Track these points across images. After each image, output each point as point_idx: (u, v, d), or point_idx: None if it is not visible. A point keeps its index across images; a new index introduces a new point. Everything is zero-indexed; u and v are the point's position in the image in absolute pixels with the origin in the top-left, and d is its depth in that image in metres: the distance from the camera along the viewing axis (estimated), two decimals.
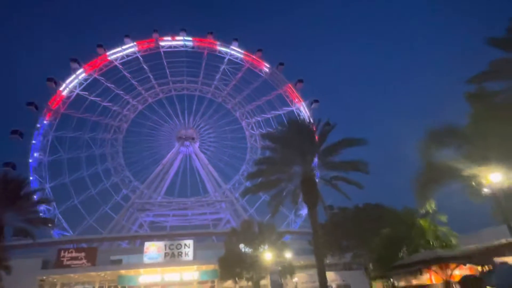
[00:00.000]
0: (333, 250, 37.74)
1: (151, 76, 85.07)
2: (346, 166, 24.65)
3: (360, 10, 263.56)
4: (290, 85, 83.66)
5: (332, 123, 25.93)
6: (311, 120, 27.44)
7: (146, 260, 50.73)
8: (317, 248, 24.38)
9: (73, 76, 75.68)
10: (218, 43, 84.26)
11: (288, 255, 41.37)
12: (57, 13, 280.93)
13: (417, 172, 18.53)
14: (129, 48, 79.98)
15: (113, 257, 53.70)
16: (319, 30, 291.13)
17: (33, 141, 71.10)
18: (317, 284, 40.71)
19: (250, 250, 41.31)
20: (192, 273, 50.47)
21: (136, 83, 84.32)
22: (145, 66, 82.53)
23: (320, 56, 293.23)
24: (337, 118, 25.81)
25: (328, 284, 24.63)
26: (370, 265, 31.59)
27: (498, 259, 14.22)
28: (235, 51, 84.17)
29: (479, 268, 13.72)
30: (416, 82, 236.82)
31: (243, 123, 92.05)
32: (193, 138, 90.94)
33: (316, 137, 26.15)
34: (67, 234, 71.55)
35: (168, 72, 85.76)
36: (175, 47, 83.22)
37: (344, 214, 37.94)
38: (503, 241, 19.50)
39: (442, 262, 12.96)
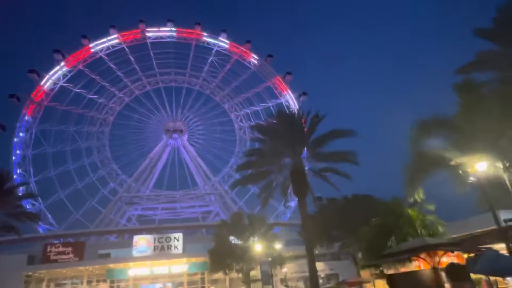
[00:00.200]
0: (322, 240, 38.23)
1: (138, 68, 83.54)
2: (335, 157, 24.78)
3: (350, 2, 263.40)
4: (278, 77, 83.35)
5: (321, 115, 25.96)
6: (300, 113, 27.28)
7: (135, 253, 50.47)
8: (307, 238, 24.59)
9: (57, 67, 73.63)
10: (206, 34, 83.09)
11: (278, 246, 41.69)
12: (40, 3, 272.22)
13: (406, 162, 18.80)
14: (115, 39, 78.13)
15: (101, 251, 53.29)
16: (308, 23, 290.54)
17: (16, 135, 69.29)
18: (306, 274, 41.36)
19: (240, 242, 41.48)
20: (181, 266, 50.50)
21: (122, 75, 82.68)
22: (131, 58, 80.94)
23: (309, 49, 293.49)
24: (326, 111, 25.82)
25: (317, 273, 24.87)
26: (359, 254, 32.12)
27: (484, 246, 14.57)
28: (223, 42, 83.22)
29: (465, 255, 14.04)
30: (407, 73, 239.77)
31: (232, 116, 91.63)
32: (181, 131, 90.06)
33: (305, 129, 26.18)
34: (53, 229, 70.42)
35: (155, 64, 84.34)
36: (162, 38, 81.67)
37: (333, 205, 38.40)
38: (488, 229, 20.09)
39: (430, 249, 13.18)
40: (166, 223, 74.56)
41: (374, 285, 26.12)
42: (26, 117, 70.58)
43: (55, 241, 57.79)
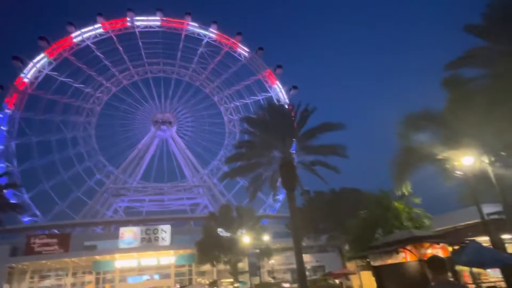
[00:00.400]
0: (309, 233, 38.61)
1: (126, 57, 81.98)
2: (325, 150, 24.82)
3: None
4: (269, 70, 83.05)
5: (311, 108, 25.95)
6: (291, 106, 27.26)
7: (122, 245, 50.06)
8: (295, 231, 24.73)
9: (42, 55, 71.62)
10: (196, 25, 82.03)
11: (266, 238, 41.94)
12: None
13: (395, 156, 18.98)
14: (102, 27, 76.35)
15: (87, 243, 52.69)
16: (299, 16, 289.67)
17: None
18: (293, 266, 41.77)
19: (228, 234, 41.55)
20: (169, 258, 50.40)
21: (109, 64, 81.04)
22: (119, 47, 79.35)
23: (300, 42, 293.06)
24: (315, 104, 25.82)
25: None
26: (346, 247, 32.56)
27: (468, 239, 14.91)
28: (213, 33, 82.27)
29: (450, 248, 14.34)
30: (397, 67, 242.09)
31: (222, 108, 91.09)
32: (170, 122, 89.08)
33: (295, 122, 26.15)
34: (38, 220, 69.14)
35: (143, 54, 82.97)
36: (151, 27, 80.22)
37: (320, 198, 38.71)
38: (472, 222, 20.56)
39: (417, 241, 13.41)
40: (154, 215, 74.13)
41: (359, 277, 26.51)
42: (9, 104, 68.58)
43: (40, 233, 56.93)
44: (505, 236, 19.22)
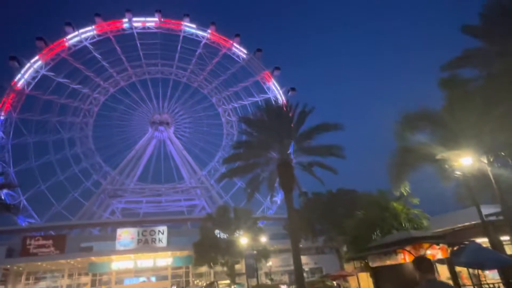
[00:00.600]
0: (307, 234, 38.45)
1: (124, 58, 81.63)
2: (322, 150, 24.70)
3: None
4: (267, 72, 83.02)
5: (308, 108, 25.85)
6: (289, 106, 27.12)
7: (118, 246, 49.67)
8: (292, 232, 24.55)
9: (39, 55, 71.21)
10: (194, 26, 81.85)
11: (263, 239, 41.70)
12: None
13: (392, 156, 18.88)
14: (100, 27, 76.06)
15: (83, 244, 52.29)
16: (297, 17, 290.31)
17: None
18: (290, 267, 41.53)
19: (225, 235, 41.28)
20: (166, 259, 50.05)
21: (107, 64, 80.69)
22: (117, 47, 78.97)
23: (299, 44, 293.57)
24: (314, 105, 25.70)
25: None
26: (344, 248, 32.39)
27: (467, 240, 14.78)
28: (212, 35, 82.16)
29: (449, 248, 14.21)
30: (395, 68, 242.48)
31: (220, 109, 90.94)
32: (167, 123, 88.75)
33: (293, 123, 26.04)
34: (34, 221, 68.58)
35: (141, 54, 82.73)
36: (149, 28, 79.96)
37: (317, 199, 38.58)
38: (471, 223, 20.46)
39: (416, 242, 13.27)
40: (151, 216, 73.72)
41: (357, 278, 26.36)
42: (4, 111, 68.10)
43: (36, 234, 56.38)
44: (504, 238, 19.14)
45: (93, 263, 48.72)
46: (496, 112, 16.23)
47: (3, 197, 48.38)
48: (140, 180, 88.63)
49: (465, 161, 15.46)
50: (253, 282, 41.12)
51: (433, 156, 16.27)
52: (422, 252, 12.83)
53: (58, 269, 49.74)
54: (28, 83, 70.60)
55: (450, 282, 13.65)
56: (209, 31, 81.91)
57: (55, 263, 48.08)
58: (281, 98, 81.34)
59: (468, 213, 20.81)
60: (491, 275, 19.26)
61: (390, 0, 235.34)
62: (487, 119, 16.68)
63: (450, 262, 14.18)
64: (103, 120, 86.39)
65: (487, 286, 18.63)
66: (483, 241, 16.91)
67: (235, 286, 41.46)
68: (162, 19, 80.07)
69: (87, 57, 77.43)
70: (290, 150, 25.93)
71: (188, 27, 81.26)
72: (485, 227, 16.59)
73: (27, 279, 48.66)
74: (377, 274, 15.36)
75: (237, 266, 43.01)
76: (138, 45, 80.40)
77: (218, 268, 44.65)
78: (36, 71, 71.21)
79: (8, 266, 46.86)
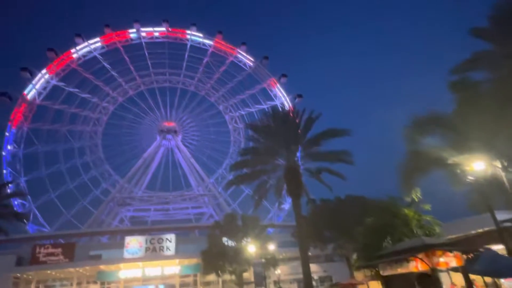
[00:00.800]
0: (316, 242, 37.87)
1: (132, 68, 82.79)
2: (330, 156, 24.43)
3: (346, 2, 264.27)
4: (274, 79, 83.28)
5: (316, 114, 25.68)
6: (295, 112, 26.98)
7: (126, 255, 49.56)
8: (301, 239, 24.20)
9: (50, 66, 72.54)
10: (201, 35, 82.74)
11: (271, 247, 41.22)
12: (35, 1, 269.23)
13: (402, 161, 18.49)
14: (109, 38, 77.37)
15: (92, 253, 52.27)
16: (304, 24, 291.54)
17: (6, 133, 67.98)
18: (299, 276, 40.89)
19: (233, 243, 40.93)
20: (174, 268, 49.72)
21: (116, 74, 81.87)
22: (125, 57, 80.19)
23: (305, 50, 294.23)
24: (321, 111, 25.52)
25: None
26: (353, 256, 31.78)
27: (482, 247, 14.30)
28: (218, 43, 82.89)
29: (464, 256, 13.73)
30: (403, 71, 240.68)
31: (227, 117, 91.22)
32: (175, 131, 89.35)
33: (300, 129, 25.86)
34: (44, 229, 69.14)
35: (149, 64, 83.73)
36: (156, 38, 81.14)
37: (325, 205, 38.08)
38: (485, 229, 19.85)
39: (429, 249, 12.83)
40: (159, 224, 73.70)
41: (368, 287, 25.76)
42: (18, 115, 69.30)
43: (45, 242, 56.66)
44: None
45: (101, 272, 48.67)
46: (510, 115, 15.81)
47: (13, 206, 48.99)
48: (148, 188, 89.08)
49: (478, 165, 15.05)
50: None
51: (444, 160, 15.89)
52: (435, 260, 12.39)
53: (67, 277, 49.78)
54: (39, 94, 71.81)
55: None
56: (216, 39, 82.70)
57: (64, 271, 48.16)
58: (288, 105, 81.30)
59: (481, 219, 20.24)
60: (507, 284, 18.61)
61: (390, 0, 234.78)
62: (500, 122, 16.26)
63: (465, 270, 13.70)
64: (112, 128, 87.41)
65: None
66: (499, 248, 16.34)
67: None
68: (170, 29, 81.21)
69: (96, 67, 78.80)
70: (298, 156, 25.73)
71: (195, 36, 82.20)
72: (501, 234, 16.04)
73: (37, 287, 48.78)
74: (388, 283, 14.96)
75: (245, 275, 42.53)
76: (146, 54, 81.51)
77: (227, 277, 44.17)
78: (47, 82, 72.47)
79: (18, 274, 47.08)
